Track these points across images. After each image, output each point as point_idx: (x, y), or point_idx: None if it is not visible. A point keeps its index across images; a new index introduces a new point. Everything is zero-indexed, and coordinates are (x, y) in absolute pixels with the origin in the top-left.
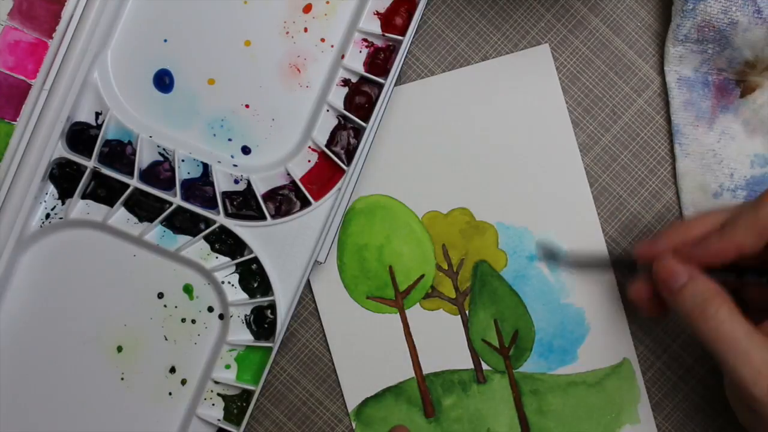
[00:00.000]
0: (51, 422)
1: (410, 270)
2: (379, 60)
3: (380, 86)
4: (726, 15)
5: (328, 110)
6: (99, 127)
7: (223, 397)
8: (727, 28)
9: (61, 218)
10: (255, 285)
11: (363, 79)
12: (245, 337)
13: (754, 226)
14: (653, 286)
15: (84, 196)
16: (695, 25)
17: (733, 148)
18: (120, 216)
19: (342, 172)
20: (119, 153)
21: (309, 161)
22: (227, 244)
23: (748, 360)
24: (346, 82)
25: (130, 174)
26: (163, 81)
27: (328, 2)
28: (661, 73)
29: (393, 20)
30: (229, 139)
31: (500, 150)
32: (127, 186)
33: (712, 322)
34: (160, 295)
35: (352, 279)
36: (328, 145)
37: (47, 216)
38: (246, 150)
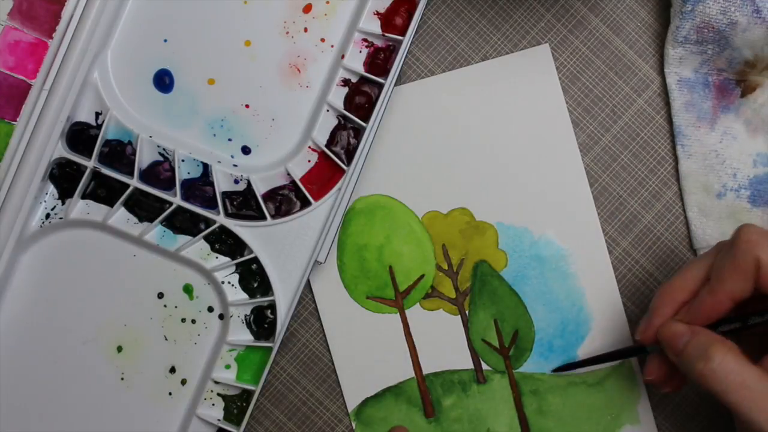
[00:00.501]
0: (51, 422)
1: (410, 270)
2: (379, 60)
3: (380, 86)
4: (725, 15)
5: (328, 110)
6: (99, 127)
7: (223, 397)
8: (726, 28)
9: (61, 218)
10: (255, 285)
11: (363, 79)
12: (245, 337)
13: (738, 272)
14: (665, 361)
15: (84, 196)
16: (694, 27)
17: (735, 148)
18: (120, 216)
19: (342, 172)
20: (119, 153)
21: (309, 161)
22: (227, 244)
23: (762, 406)
24: (346, 82)
25: (130, 174)
26: (163, 81)
27: (328, 2)
28: (661, 73)
29: (393, 20)
30: (229, 139)
31: (500, 150)
32: (127, 186)
33: (719, 372)
34: (160, 295)
35: (352, 279)
36: (328, 145)
37: (47, 216)
38: (246, 150)
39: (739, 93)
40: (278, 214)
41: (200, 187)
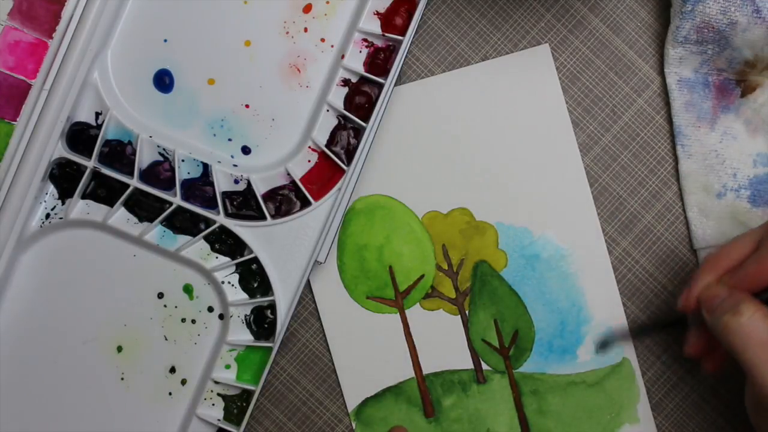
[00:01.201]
0: (51, 422)
1: (410, 270)
2: (379, 60)
3: (380, 86)
4: (725, 15)
5: (328, 110)
6: (99, 127)
7: (223, 397)
8: (726, 28)
9: (61, 218)
10: (255, 285)
11: (363, 79)
12: (245, 337)
13: None
14: (705, 333)
15: (84, 196)
16: (694, 27)
17: (735, 148)
18: (120, 216)
19: (342, 172)
20: (119, 153)
21: (309, 161)
22: (227, 244)
23: None
24: (346, 82)
25: (130, 174)
26: (163, 81)
27: (328, 2)
28: (661, 73)
29: (393, 20)
30: (229, 139)
31: (500, 150)
32: (127, 186)
33: (745, 327)
34: (160, 295)
35: (352, 279)
36: (328, 145)
37: (47, 216)
38: (246, 150)
39: (739, 93)
40: (278, 214)
41: (200, 187)
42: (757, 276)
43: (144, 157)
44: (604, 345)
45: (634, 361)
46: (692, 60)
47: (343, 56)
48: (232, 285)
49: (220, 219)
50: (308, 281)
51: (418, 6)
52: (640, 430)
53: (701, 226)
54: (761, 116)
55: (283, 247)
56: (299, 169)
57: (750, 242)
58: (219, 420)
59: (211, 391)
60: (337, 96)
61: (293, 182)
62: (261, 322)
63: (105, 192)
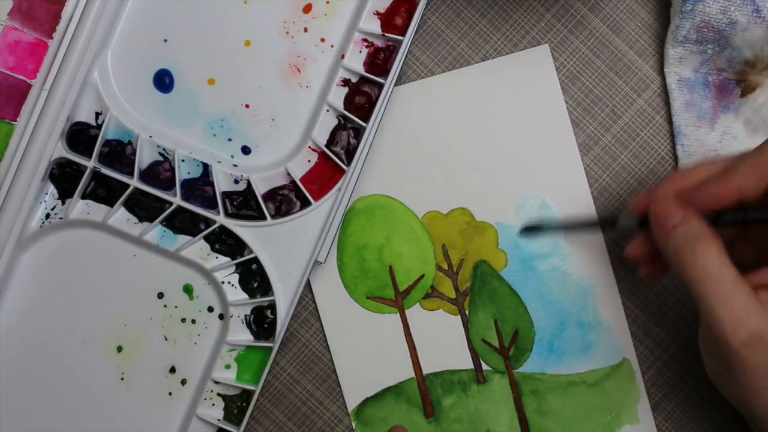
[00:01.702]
0: (51, 422)
1: (410, 270)
2: (379, 60)
3: (380, 86)
4: (725, 15)
5: (328, 110)
6: (99, 127)
7: (223, 397)
8: (726, 28)
9: (61, 218)
10: (255, 285)
11: (363, 79)
12: (245, 337)
13: (756, 170)
14: (650, 242)
15: (84, 196)
16: (694, 26)
17: (735, 147)
18: (120, 216)
19: (342, 172)
20: (119, 153)
21: (309, 161)
22: (227, 244)
23: (729, 304)
24: (346, 82)
25: (130, 174)
26: (163, 81)
27: (328, 2)
28: (661, 73)
29: (393, 20)
30: (229, 139)
31: (500, 150)
32: (127, 186)
33: (700, 261)
34: (160, 295)
35: (352, 279)
36: (328, 145)
37: (47, 216)
38: (246, 150)
39: (738, 93)
40: (278, 214)
41: (200, 187)
42: (715, 195)
43: (144, 157)
44: (529, 230)
45: (634, 362)
46: (692, 60)
47: (343, 56)
48: (232, 285)
49: (220, 219)
50: (308, 281)
51: (418, 6)
52: (640, 430)
53: None
54: (761, 116)
55: (283, 247)
56: (299, 169)
57: (718, 166)
58: (219, 420)
59: (211, 391)
60: (337, 96)
61: (293, 182)
62: (261, 322)
63: (105, 192)
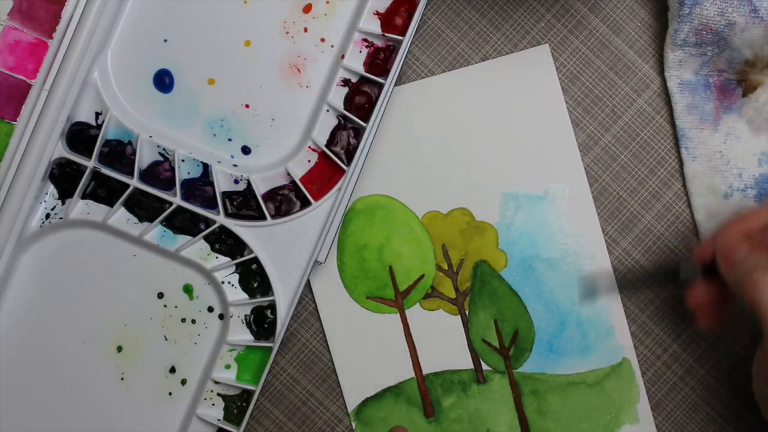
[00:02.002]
0: (51, 422)
1: (410, 270)
2: (379, 60)
3: (380, 86)
4: (723, 17)
5: (328, 110)
6: (99, 127)
7: (223, 397)
8: (724, 29)
9: (61, 218)
10: (255, 285)
11: (363, 79)
12: (245, 337)
13: None
14: (713, 291)
15: (84, 196)
16: (693, 29)
17: (739, 148)
18: (120, 216)
19: (342, 172)
20: (119, 153)
21: (309, 161)
22: (227, 244)
23: None
24: (346, 82)
25: (130, 174)
26: (163, 81)
27: (328, 2)
28: (661, 73)
29: (393, 20)
30: (229, 139)
31: (500, 150)
32: (127, 186)
33: (765, 286)
34: (160, 295)
35: (352, 279)
36: (328, 145)
37: (47, 216)
38: (246, 150)
39: (740, 93)
40: (278, 214)
41: (200, 187)
42: None
43: (144, 157)
44: (589, 294)
45: (634, 361)
46: (692, 62)
47: (343, 56)
48: (232, 285)
49: (220, 219)
50: (308, 281)
51: (418, 6)
52: (640, 430)
53: (709, 228)
54: (764, 115)
55: (283, 247)
56: (299, 169)
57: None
58: (219, 420)
59: (211, 391)
60: (337, 96)
61: (293, 182)
62: (261, 322)
63: (105, 192)
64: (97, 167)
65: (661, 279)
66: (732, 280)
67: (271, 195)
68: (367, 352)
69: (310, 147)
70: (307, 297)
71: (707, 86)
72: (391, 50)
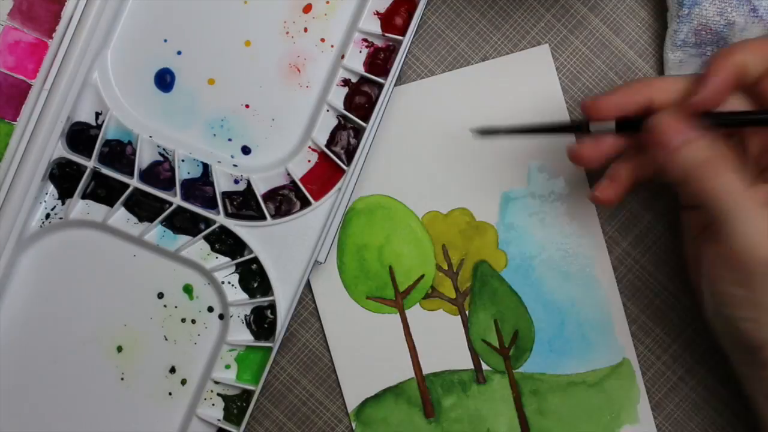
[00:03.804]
0: (51, 422)
1: (410, 270)
2: (379, 60)
3: (380, 86)
4: (722, 17)
5: (328, 110)
6: (99, 127)
7: (223, 397)
8: (724, 29)
9: (61, 218)
10: (255, 285)
11: (363, 79)
12: (245, 337)
13: (759, 45)
14: (605, 150)
15: (84, 196)
16: (692, 30)
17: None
18: (120, 216)
19: (342, 172)
20: (119, 153)
21: (309, 161)
22: (227, 244)
23: (754, 220)
24: (346, 82)
25: (130, 174)
26: (164, 80)
27: (328, 2)
28: (661, 73)
29: (393, 20)
30: (229, 139)
31: (500, 150)
32: (127, 186)
33: (719, 181)
34: (160, 295)
35: (352, 279)
36: (328, 145)
37: (47, 216)
38: (246, 150)
39: (741, 92)
40: (278, 214)
41: (200, 187)
42: (712, 97)
43: (144, 157)
44: (484, 132)
45: (634, 361)
46: (692, 63)
47: (343, 56)
48: (232, 285)
49: (220, 219)
50: (308, 281)
51: (418, 6)
52: (640, 430)
53: None
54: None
55: (283, 247)
56: (299, 169)
57: (682, 82)
58: (219, 420)
59: (211, 391)
60: (337, 96)
61: (293, 182)
62: (261, 322)
63: (105, 192)
64: (97, 167)
65: (565, 130)
66: (674, 167)
67: (271, 195)
68: (367, 352)
69: (310, 147)
70: (307, 297)
71: None
72: (391, 50)
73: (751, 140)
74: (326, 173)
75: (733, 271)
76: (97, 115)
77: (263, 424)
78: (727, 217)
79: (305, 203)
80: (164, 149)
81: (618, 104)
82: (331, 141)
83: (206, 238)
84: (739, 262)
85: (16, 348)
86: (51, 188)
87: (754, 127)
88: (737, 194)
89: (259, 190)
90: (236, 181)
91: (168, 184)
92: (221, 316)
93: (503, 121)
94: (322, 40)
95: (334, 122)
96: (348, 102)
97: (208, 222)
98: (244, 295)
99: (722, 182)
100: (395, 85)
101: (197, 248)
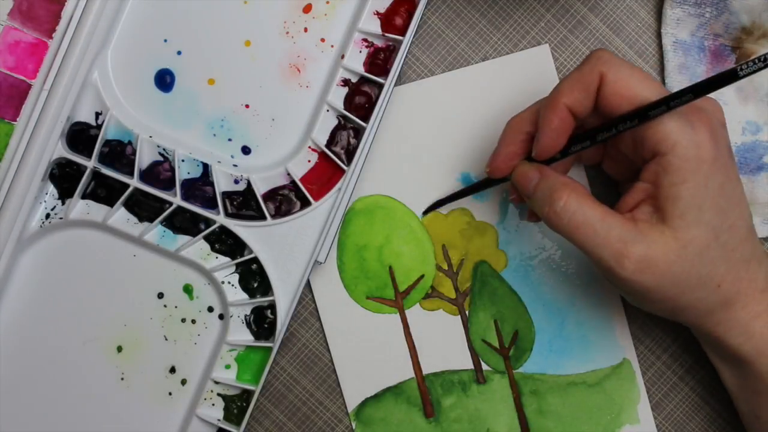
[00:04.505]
0: (51, 422)
1: (410, 270)
2: (379, 60)
3: (380, 86)
4: None
5: (328, 110)
6: (99, 127)
7: (223, 397)
8: None
9: (61, 218)
10: (255, 285)
11: (363, 79)
12: (245, 337)
13: (579, 84)
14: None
15: (84, 196)
16: None
17: (726, 114)
18: (120, 216)
19: (342, 172)
20: (119, 153)
21: (309, 161)
22: (227, 244)
23: (607, 243)
24: (346, 82)
25: (130, 174)
26: (164, 80)
27: (328, 2)
28: (661, 73)
29: (393, 20)
30: (229, 139)
31: None
32: (127, 186)
33: (563, 214)
34: (160, 295)
35: (352, 279)
36: (328, 145)
37: (47, 216)
38: (246, 150)
39: (733, 59)
40: (278, 214)
41: (200, 187)
42: (553, 122)
43: (144, 157)
44: (426, 212)
45: (634, 362)
46: (689, 22)
47: (343, 56)
48: (232, 285)
49: (220, 219)
50: (308, 281)
51: (418, 6)
52: (640, 430)
53: None
54: (753, 84)
55: (283, 247)
56: (299, 169)
57: (534, 112)
58: (219, 420)
59: (211, 391)
60: (337, 96)
61: (293, 182)
62: (261, 322)
63: (105, 192)
64: (97, 167)
65: (480, 188)
66: (534, 210)
67: (271, 195)
68: (367, 352)
69: (310, 147)
70: (307, 297)
71: (701, 49)
72: (391, 50)
73: (620, 141)
74: (326, 173)
75: (618, 287)
76: (97, 115)
77: (263, 424)
78: (584, 248)
79: (305, 203)
80: (164, 149)
81: (507, 158)
82: (331, 141)
83: (206, 238)
84: (613, 281)
85: (16, 348)
86: (51, 188)
87: (597, 143)
88: (583, 222)
89: (259, 190)
90: (236, 181)
91: (168, 184)
92: (221, 316)
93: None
94: (322, 40)
95: (334, 122)
96: (348, 102)
97: (208, 222)
98: (244, 295)
99: (568, 214)
100: (395, 85)
101: (197, 248)
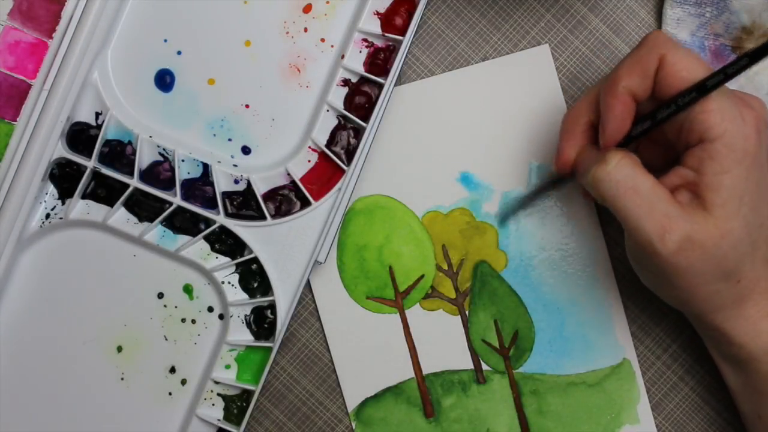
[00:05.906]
0: (51, 422)
1: (410, 270)
2: (379, 60)
3: (380, 86)
4: None
5: (328, 110)
6: (99, 127)
7: (223, 397)
8: None
9: (61, 218)
10: (255, 285)
11: (363, 79)
12: (245, 337)
13: (638, 67)
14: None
15: (84, 196)
16: None
17: None
18: (120, 216)
19: (342, 172)
20: (119, 153)
21: (309, 161)
22: (227, 244)
23: (652, 215)
24: (346, 82)
25: (130, 174)
26: (164, 80)
27: (328, 2)
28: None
29: (393, 20)
30: (229, 139)
31: (500, 150)
32: (127, 186)
33: (615, 174)
34: (160, 295)
35: (352, 279)
36: (328, 145)
37: (47, 216)
38: (246, 150)
39: (733, 60)
40: (278, 214)
41: (200, 187)
42: (615, 107)
43: (144, 157)
44: (504, 218)
45: (634, 362)
46: (690, 22)
47: (343, 56)
48: (232, 285)
49: (220, 219)
50: (308, 281)
51: (418, 6)
52: (640, 430)
53: None
54: (754, 84)
55: (283, 247)
56: (299, 169)
57: (590, 101)
58: (219, 420)
59: (211, 391)
60: (337, 96)
61: (293, 182)
62: (261, 322)
63: (105, 192)
64: (97, 167)
65: (549, 188)
66: (585, 185)
67: (271, 195)
68: (367, 352)
69: (310, 147)
70: (307, 297)
71: (702, 48)
72: (391, 50)
73: (666, 124)
74: (326, 173)
75: (647, 265)
76: (97, 115)
77: (263, 424)
78: (627, 216)
79: (305, 203)
80: (164, 149)
81: (571, 150)
82: (331, 141)
83: (206, 238)
84: (647, 256)
85: (16, 348)
86: (51, 188)
87: (658, 123)
88: (632, 190)
89: (259, 190)
90: (236, 181)
91: (168, 184)
92: (221, 316)
93: (503, 121)
94: (322, 40)
95: (334, 122)
96: (348, 102)
97: (208, 222)
98: (244, 295)
99: (617, 179)
100: (395, 85)
101: (197, 248)
